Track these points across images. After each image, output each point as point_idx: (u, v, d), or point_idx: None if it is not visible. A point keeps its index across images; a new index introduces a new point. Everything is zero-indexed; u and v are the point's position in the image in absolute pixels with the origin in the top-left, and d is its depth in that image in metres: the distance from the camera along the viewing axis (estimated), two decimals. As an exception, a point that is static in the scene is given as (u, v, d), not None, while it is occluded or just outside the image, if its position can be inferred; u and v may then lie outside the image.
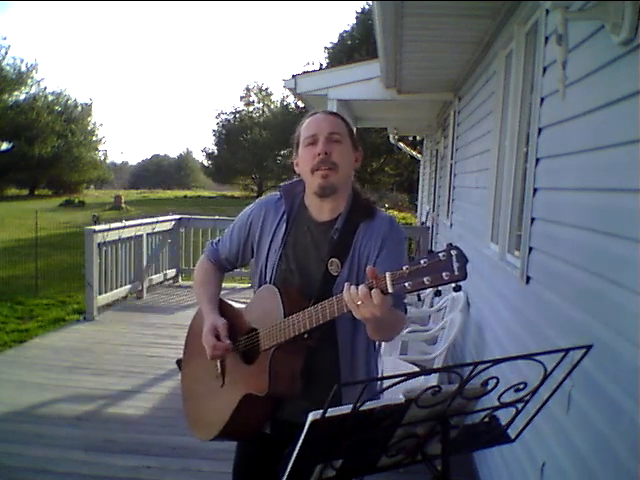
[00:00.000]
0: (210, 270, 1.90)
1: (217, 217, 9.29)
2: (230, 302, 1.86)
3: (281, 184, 1.81)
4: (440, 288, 1.20)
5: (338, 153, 1.63)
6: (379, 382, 1.67)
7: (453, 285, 1.15)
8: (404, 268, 1.21)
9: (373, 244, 1.64)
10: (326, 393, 1.58)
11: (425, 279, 1.17)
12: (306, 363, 1.61)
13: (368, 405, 1.05)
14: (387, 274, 1.25)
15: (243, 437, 1.79)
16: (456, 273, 1.13)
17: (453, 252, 1.15)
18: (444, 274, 1.14)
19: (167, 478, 3.10)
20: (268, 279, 1.72)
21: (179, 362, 2.00)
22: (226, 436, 1.75)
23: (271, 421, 1.72)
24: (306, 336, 1.54)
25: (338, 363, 1.66)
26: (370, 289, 1.28)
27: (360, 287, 1.30)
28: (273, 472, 1.77)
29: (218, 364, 1.76)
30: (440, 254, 1.16)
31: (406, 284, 1.20)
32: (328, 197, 1.65)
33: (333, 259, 1.63)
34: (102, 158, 43.46)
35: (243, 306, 1.82)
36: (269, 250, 1.74)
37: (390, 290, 1.25)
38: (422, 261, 1.18)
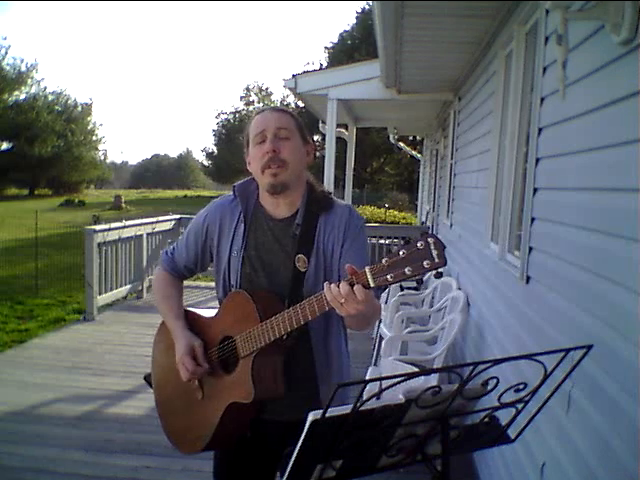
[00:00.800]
0: (169, 281, 1.84)
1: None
2: (196, 311, 1.80)
3: (234, 184, 1.75)
4: (432, 278, 1.21)
5: (287, 150, 1.61)
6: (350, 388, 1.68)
7: (434, 273, 1.19)
8: (383, 261, 1.22)
9: (336, 235, 1.64)
10: (303, 388, 1.60)
11: (406, 269, 1.18)
12: (284, 362, 1.60)
13: (368, 405, 1.05)
14: (367, 269, 1.26)
15: (229, 445, 1.74)
16: (436, 260, 1.16)
17: (430, 240, 1.17)
18: (425, 263, 1.17)
19: (167, 478, 3.09)
20: (233, 282, 1.69)
21: (147, 378, 1.93)
22: (213, 447, 1.71)
23: (250, 423, 1.70)
24: (285, 337, 1.51)
25: (312, 358, 1.65)
26: (352, 285, 1.28)
27: (341, 285, 1.29)
28: (255, 472, 1.77)
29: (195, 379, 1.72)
30: (418, 243, 1.17)
31: (388, 276, 1.22)
32: (280, 194, 1.63)
33: (299, 255, 1.62)
34: (102, 158, 43.56)
35: (210, 314, 1.76)
36: (230, 253, 1.69)
37: (372, 284, 1.25)
38: (401, 252, 1.19)
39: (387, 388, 1.07)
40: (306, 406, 1.64)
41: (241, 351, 1.57)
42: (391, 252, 1.21)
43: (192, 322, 1.75)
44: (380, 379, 1.19)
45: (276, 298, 1.60)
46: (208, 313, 1.79)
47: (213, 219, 1.74)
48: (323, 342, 1.68)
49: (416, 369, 2.88)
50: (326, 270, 1.64)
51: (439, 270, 1.17)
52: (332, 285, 1.31)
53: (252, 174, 1.70)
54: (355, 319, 1.48)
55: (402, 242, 1.23)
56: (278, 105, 38.12)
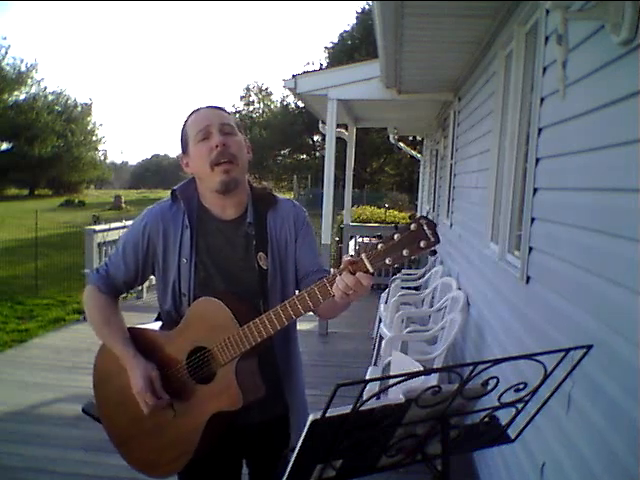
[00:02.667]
0: (106, 302, 1.70)
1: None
2: (146, 327, 1.68)
3: (174, 187, 1.66)
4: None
5: (234, 144, 1.57)
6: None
7: (429, 251, 1.22)
8: (379, 247, 1.25)
9: (287, 228, 1.65)
10: (269, 388, 1.58)
11: (404, 251, 1.22)
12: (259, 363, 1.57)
13: (368, 405, 1.05)
14: (363, 256, 1.27)
15: (206, 456, 1.64)
16: (432, 239, 1.20)
17: (422, 221, 1.21)
18: (421, 243, 1.20)
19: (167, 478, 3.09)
20: (185, 290, 1.61)
21: (87, 409, 1.81)
22: (194, 461, 1.60)
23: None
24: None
25: (275, 357, 1.65)
26: (353, 274, 1.28)
27: (344, 276, 1.29)
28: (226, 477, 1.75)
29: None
30: (411, 226, 1.21)
31: (386, 260, 1.24)
32: (230, 192, 1.58)
33: (260, 253, 1.60)
34: (102, 158, 43.56)
35: (156, 325, 1.68)
36: (179, 260, 1.61)
37: (371, 270, 1.27)
38: (395, 236, 1.22)
39: (387, 388, 1.07)
40: (274, 406, 1.66)
41: (220, 359, 1.51)
42: (382, 237, 1.25)
43: (141, 341, 1.63)
44: (380, 379, 1.19)
45: (246, 300, 1.56)
46: (152, 326, 1.69)
47: (154, 228, 1.64)
48: (284, 341, 1.68)
49: (421, 366, 2.88)
50: (282, 265, 1.65)
51: (434, 248, 1.22)
52: (337, 279, 1.31)
53: (192, 175, 1.64)
54: (340, 307, 1.49)
55: (392, 227, 1.25)
56: (278, 105, 38.13)
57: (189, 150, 1.61)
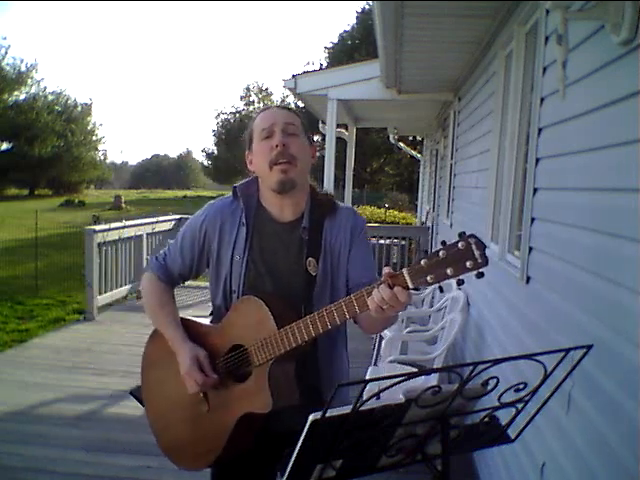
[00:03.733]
0: (163, 289, 1.72)
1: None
2: (195, 320, 1.71)
3: (235, 185, 1.68)
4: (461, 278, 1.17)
5: (296, 146, 1.57)
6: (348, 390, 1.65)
7: (475, 273, 1.15)
8: (422, 262, 1.20)
9: (342, 237, 1.62)
10: (309, 395, 1.54)
11: (448, 270, 1.16)
12: (296, 370, 1.54)
13: (368, 405, 1.05)
14: (404, 271, 1.23)
15: (236, 458, 1.65)
16: (479, 261, 1.14)
17: (472, 240, 1.14)
18: (467, 263, 1.14)
19: (167, 478, 3.09)
20: (235, 288, 1.62)
21: (135, 392, 1.84)
22: (223, 460, 1.61)
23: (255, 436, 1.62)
24: (303, 344, 1.45)
25: (317, 364, 1.62)
26: (391, 288, 1.25)
27: (382, 289, 1.26)
28: None
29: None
30: (459, 244, 1.15)
31: (427, 278, 1.19)
32: (287, 193, 1.58)
33: (310, 258, 1.58)
34: (102, 158, 43.54)
35: (212, 322, 1.69)
36: (232, 257, 1.63)
37: (410, 286, 1.23)
38: (441, 253, 1.17)
39: (386, 388, 1.07)
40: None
41: (255, 360, 1.51)
42: (427, 253, 1.19)
43: (190, 331, 1.66)
44: (380, 379, 1.19)
45: (289, 304, 1.54)
46: (203, 320, 1.71)
47: (212, 223, 1.66)
48: (329, 348, 1.64)
49: (415, 369, 2.87)
50: (333, 273, 1.62)
51: (481, 270, 1.14)
52: (374, 291, 1.28)
53: (255, 173, 1.65)
54: (381, 322, 1.45)
55: (441, 245, 1.20)
56: (280, 104, 38.13)
57: (253, 147, 1.62)
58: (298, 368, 1.54)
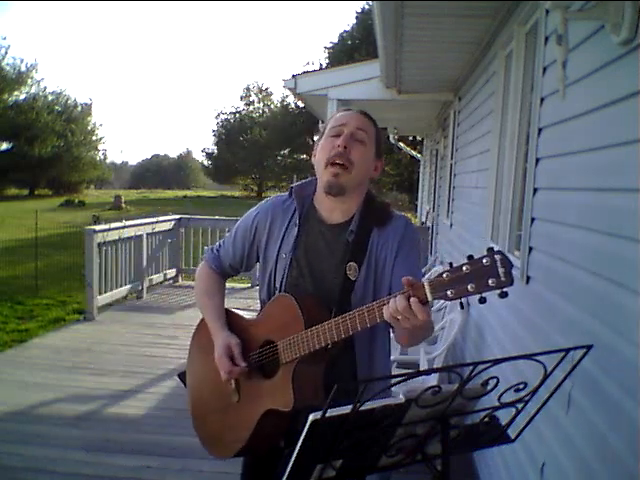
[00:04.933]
0: (213, 278, 1.80)
1: (217, 217, 9.29)
2: (238, 312, 1.76)
3: (292, 185, 1.70)
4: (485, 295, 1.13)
5: (358, 153, 1.55)
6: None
7: (498, 292, 1.10)
8: (444, 275, 1.16)
9: (390, 246, 1.58)
10: (344, 400, 1.55)
11: (469, 286, 1.12)
12: (326, 372, 1.53)
13: (368, 405, 1.05)
14: (425, 282, 1.20)
15: (262, 453, 1.68)
16: (502, 279, 1.09)
17: (497, 257, 1.10)
18: (490, 281, 1.09)
19: (167, 478, 3.10)
20: (278, 285, 1.64)
21: (182, 376, 1.90)
22: (247, 452, 1.66)
23: (285, 433, 1.62)
24: (330, 346, 1.44)
25: (355, 369, 1.60)
26: (408, 299, 1.22)
27: (398, 298, 1.23)
28: None
29: (232, 380, 1.67)
30: (483, 260, 1.11)
31: (448, 292, 1.15)
32: (336, 197, 1.57)
33: (351, 263, 1.56)
34: (102, 158, 43.54)
35: (253, 316, 1.72)
36: (278, 255, 1.65)
37: (430, 299, 1.20)
38: (464, 268, 1.13)
39: (387, 388, 1.07)
40: None
41: (283, 357, 1.52)
42: (452, 266, 1.15)
43: (232, 322, 1.70)
44: (380, 379, 1.19)
45: (322, 305, 1.54)
46: (249, 315, 1.74)
47: (263, 219, 1.70)
48: (367, 354, 1.62)
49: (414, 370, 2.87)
50: (376, 282, 1.59)
51: (504, 290, 1.09)
52: (391, 300, 1.26)
53: (314, 167, 1.64)
54: (408, 334, 1.41)
55: (466, 257, 1.16)
56: (278, 105, 38.09)
57: (320, 141, 1.63)
58: (334, 370, 1.53)
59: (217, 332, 1.67)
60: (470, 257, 1.14)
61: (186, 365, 1.88)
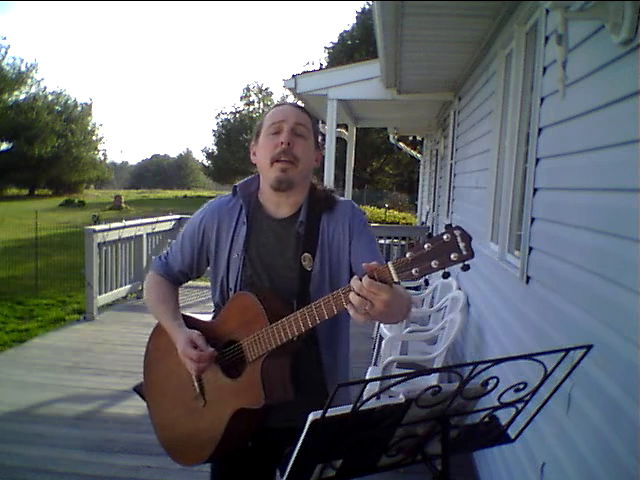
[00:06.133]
0: (164, 285, 1.75)
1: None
2: (195, 316, 1.73)
3: (235, 184, 1.68)
4: (447, 270, 1.15)
5: (301, 147, 1.56)
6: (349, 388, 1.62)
7: (461, 265, 1.13)
8: (407, 255, 1.18)
9: (341, 231, 1.61)
10: (314, 393, 1.54)
11: (433, 263, 1.14)
12: (292, 365, 1.54)
13: (368, 405, 1.05)
14: (389, 264, 1.21)
15: (233, 454, 1.66)
16: (464, 253, 1.12)
17: (457, 232, 1.13)
18: (452, 255, 1.12)
19: (167, 478, 3.09)
20: (232, 286, 1.63)
21: (138, 388, 1.85)
22: (219, 455, 1.62)
23: (252, 433, 1.63)
24: (294, 339, 1.45)
25: (321, 362, 1.61)
26: (372, 278, 1.22)
27: (364, 279, 1.22)
28: None
29: (196, 383, 1.64)
30: (444, 236, 1.13)
31: (413, 270, 1.17)
32: (284, 192, 1.58)
33: (305, 254, 1.57)
34: (102, 158, 43.53)
35: (209, 318, 1.70)
36: (230, 255, 1.63)
37: (396, 279, 1.20)
38: (426, 246, 1.15)
39: (388, 388, 1.07)
40: (318, 407, 1.62)
41: (249, 355, 1.51)
42: (413, 246, 1.18)
43: (190, 326, 1.66)
44: (380, 379, 1.19)
45: (283, 299, 1.55)
46: (205, 317, 1.72)
47: (210, 221, 1.68)
48: (330, 346, 1.64)
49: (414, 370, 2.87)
50: (332, 268, 1.61)
51: (466, 263, 1.13)
52: (354, 283, 1.24)
53: (256, 165, 1.64)
54: (384, 314, 1.37)
55: (425, 236, 1.17)
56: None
57: (259, 140, 1.62)
58: (299, 363, 1.54)
59: (176, 331, 1.63)
60: (429, 235, 1.17)
61: (143, 377, 1.83)
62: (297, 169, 1.56)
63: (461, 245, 1.12)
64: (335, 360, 1.65)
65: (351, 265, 1.62)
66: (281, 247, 1.61)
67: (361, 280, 1.22)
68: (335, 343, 1.66)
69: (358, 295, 1.23)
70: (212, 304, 1.76)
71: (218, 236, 1.66)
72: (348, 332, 1.71)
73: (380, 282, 1.21)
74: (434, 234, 1.16)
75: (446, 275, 1.17)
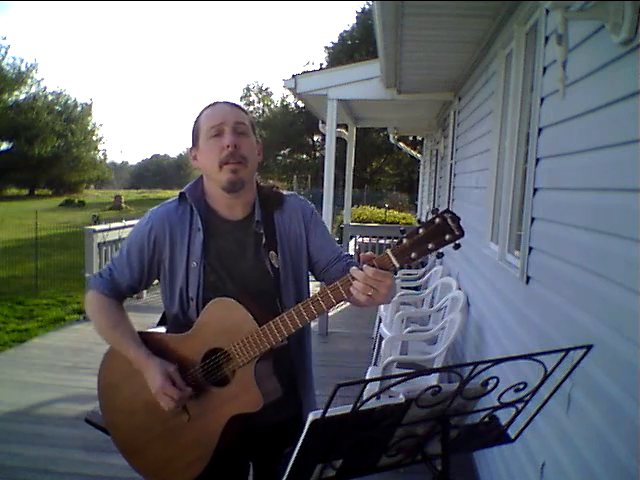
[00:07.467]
0: (110, 305, 1.63)
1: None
2: (156, 332, 1.64)
3: (183, 189, 1.63)
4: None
5: (246, 146, 1.54)
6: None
7: (453, 245, 1.23)
8: (404, 241, 1.25)
9: (296, 225, 1.64)
10: (285, 387, 1.58)
11: (429, 245, 1.23)
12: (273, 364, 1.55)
13: (368, 405, 1.05)
14: (388, 251, 1.27)
15: (222, 463, 1.60)
16: (456, 232, 1.22)
17: (447, 215, 1.22)
18: (446, 236, 1.22)
19: None
20: (192, 295, 1.57)
21: (92, 418, 1.77)
22: (209, 466, 1.55)
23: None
24: (284, 339, 1.46)
25: (289, 356, 1.61)
26: (373, 267, 1.28)
27: (365, 268, 1.28)
28: None
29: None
30: (435, 220, 1.22)
31: (412, 255, 1.25)
32: (237, 192, 1.55)
33: (272, 252, 1.58)
34: (102, 158, 43.55)
35: (163, 330, 1.64)
36: (188, 264, 1.57)
37: (397, 265, 1.27)
38: (420, 231, 1.24)
39: (388, 387, 1.07)
40: (289, 405, 1.63)
41: (239, 360, 1.48)
42: (405, 232, 1.27)
43: (153, 345, 1.57)
44: (380, 379, 1.19)
45: (260, 301, 1.53)
46: (161, 331, 1.65)
47: (161, 231, 1.59)
48: (299, 342, 1.66)
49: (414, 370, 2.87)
50: (293, 262, 1.63)
51: (458, 242, 1.23)
52: (357, 273, 1.30)
53: (200, 169, 1.61)
54: (386, 296, 1.39)
55: (418, 223, 1.28)
56: (278, 105, 38.09)
57: (199, 144, 1.57)
58: (274, 362, 1.56)
59: (146, 362, 1.53)
60: (419, 221, 1.28)
61: (100, 405, 1.74)
62: (247, 169, 1.55)
63: (452, 225, 1.22)
64: (302, 357, 1.69)
65: (310, 255, 1.66)
66: (241, 249, 1.60)
67: (362, 270, 1.29)
68: (303, 340, 1.68)
69: (364, 284, 1.29)
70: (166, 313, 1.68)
71: (172, 245, 1.59)
72: (310, 328, 1.73)
73: (383, 274, 1.28)
74: (423, 220, 1.27)
75: (440, 255, 1.27)
